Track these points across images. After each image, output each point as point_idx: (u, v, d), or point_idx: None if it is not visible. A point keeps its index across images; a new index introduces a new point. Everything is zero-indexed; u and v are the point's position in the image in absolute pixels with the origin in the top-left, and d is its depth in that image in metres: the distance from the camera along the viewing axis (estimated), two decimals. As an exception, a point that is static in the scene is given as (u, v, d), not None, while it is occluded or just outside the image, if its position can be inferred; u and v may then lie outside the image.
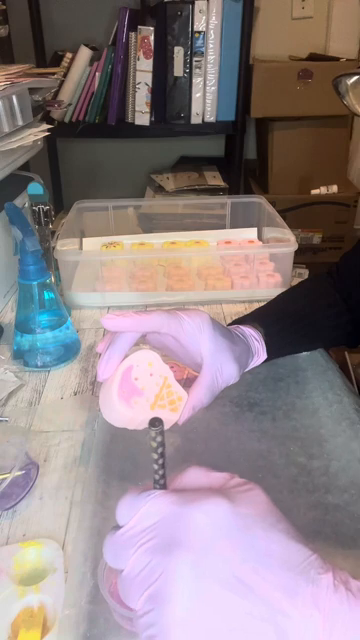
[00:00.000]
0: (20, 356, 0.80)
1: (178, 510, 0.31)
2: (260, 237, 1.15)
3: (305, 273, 1.71)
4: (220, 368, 0.55)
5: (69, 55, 1.73)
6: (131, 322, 0.51)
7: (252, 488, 0.33)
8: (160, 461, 0.34)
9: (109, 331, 0.52)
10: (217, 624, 0.28)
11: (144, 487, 0.35)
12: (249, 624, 0.27)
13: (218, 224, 1.18)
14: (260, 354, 0.64)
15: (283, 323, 0.69)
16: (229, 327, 0.63)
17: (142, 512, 0.32)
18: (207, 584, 0.28)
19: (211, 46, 1.67)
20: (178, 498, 0.31)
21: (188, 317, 0.54)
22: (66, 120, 1.78)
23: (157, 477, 0.34)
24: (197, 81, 1.71)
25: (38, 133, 0.96)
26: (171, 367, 0.53)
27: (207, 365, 0.54)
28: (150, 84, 1.70)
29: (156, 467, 0.34)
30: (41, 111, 1.07)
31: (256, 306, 0.76)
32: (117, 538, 0.32)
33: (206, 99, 1.74)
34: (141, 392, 0.50)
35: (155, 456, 0.34)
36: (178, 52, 1.67)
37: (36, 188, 0.91)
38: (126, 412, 0.49)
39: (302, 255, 1.97)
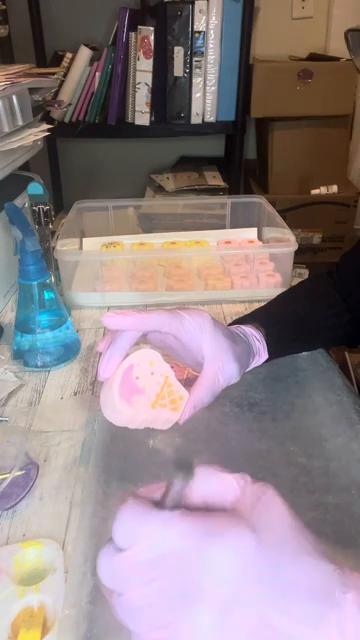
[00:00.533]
0: (20, 356, 0.80)
1: (196, 545, 0.27)
2: (260, 237, 1.15)
3: (305, 273, 1.71)
4: (221, 367, 0.55)
5: (69, 55, 1.73)
6: (132, 321, 0.51)
7: (266, 491, 0.30)
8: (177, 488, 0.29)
9: (110, 330, 0.52)
10: None
11: (145, 491, 0.31)
12: None
13: (218, 224, 1.18)
14: (261, 354, 0.64)
15: (283, 323, 0.69)
16: (230, 327, 0.63)
17: (149, 539, 0.28)
18: (233, 635, 0.26)
19: (211, 46, 1.67)
20: (193, 528, 0.27)
21: (189, 316, 0.54)
22: (66, 120, 1.78)
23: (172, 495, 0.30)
24: (197, 81, 1.71)
25: (38, 133, 0.96)
26: (171, 367, 0.53)
27: (208, 364, 0.54)
28: (150, 84, 1.70)
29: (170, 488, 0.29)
30: (41, 111, 1.07)
31: (256, 306, 0.76)
32: (116, 563, 0.28)
33: (206, 99, 1.74)
34: (142, 391, 0.50)
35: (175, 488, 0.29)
36: (178, 52, 1.67)
37: (36, 188, 0.91)
38: (127, 411, 0.49)
39: (302, 255, 1.97)
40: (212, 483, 0.31)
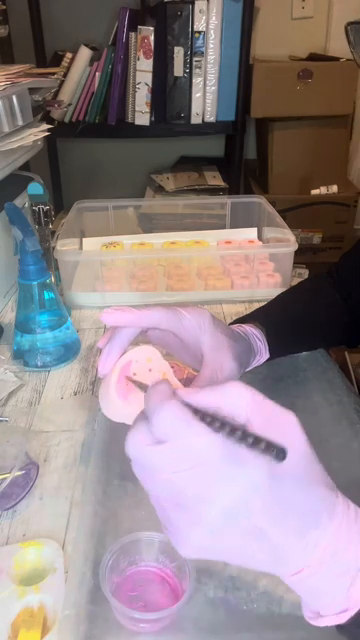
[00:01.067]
0: (20, 356, 0.80)
1: (222, 464, 0.31)
2: (260, 237, 1.15)
3: (305, 273, 1.71)
4: (220, 366, 0.55)
5: (69, 55, 1.73)
6: (130, 317, 0.51)
7: (289, 426, 0.34)
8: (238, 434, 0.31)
9: (109, 327, 0.52)
10: (226, 549, 0.33)
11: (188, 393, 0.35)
12: (253, 553, 0.32)
13: (218, 224, 1.18)
14: (262, 353, 0.64)
15: (283, 323, 0.69)
16: (231, 326, 0.63)
17: (186, 445, 0.31)
18: (229, 529, 0.32)
19: (211, 46, 1.67)
20: (223, 449, 0.31)
21: (188, 314, 0.54)
22: (66, 120, 1.78)
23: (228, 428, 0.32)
24: (197, 81, 1.71)
25: (38, 133, 0.96)
26: (172, 367, 0.53)
27: (207, 362, 0.54)
28: (150, 84, 1.70)
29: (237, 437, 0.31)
30: (41, 111, 1.07)
31: (256, 306, 0.76)
32: (150, 450, 0.32)
33: (206, 99, 1.74)
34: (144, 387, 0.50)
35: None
36: (178, 52, 1.67)
37: (36, 188, 0.91)
38: (124, 407, 0.49)
39: (302, 255, 1.97)
40: (240, 403, 0.34)
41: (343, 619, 0.33)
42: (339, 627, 0.34)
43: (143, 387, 0.43)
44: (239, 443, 0.31)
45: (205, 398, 0.34)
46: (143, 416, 0.34)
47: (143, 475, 0.34)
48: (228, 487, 0.31)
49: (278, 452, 0.30)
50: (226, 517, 0.31)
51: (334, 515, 0.33)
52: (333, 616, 0.33)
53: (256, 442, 0.30)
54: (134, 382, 0.48)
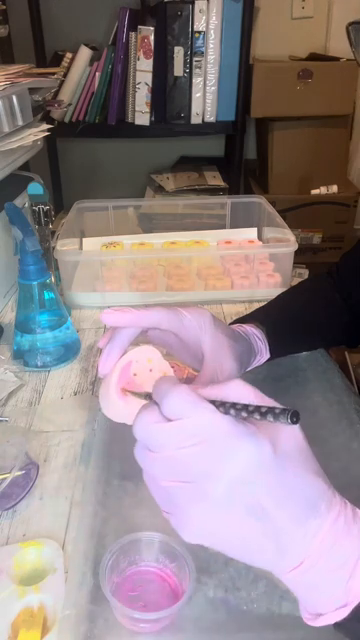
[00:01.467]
0: (20, 356, 0.80)
1: (228, 440, 0.32)
2: (260, 237, 1.15)
3: (305, 273, 1.71)
4: (220, 366, 0.55)
5: (69, 55, 1.73)
6: (130, 317, 0.51)
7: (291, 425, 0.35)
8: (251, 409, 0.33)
9: (110, 327, 0.52)
10: (228, 530, 0.33)
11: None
12: (255, 537, 0.33)
13: (218, 224, 1.18)
14: (263, 353, 0.64)
15: (284, 323, 0.69)
16: (232, 326, 0.63)
17: (193, 423, 0.32)
18: (233, 505, 0.32)
19: (211, 46, 1.67)
20: (229, 426, 0.32)
21: (189, 314, 0.54)
22: (66, 120, 1.78)
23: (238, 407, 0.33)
24: (197, 81, 1.71)
25: (38, 133, 0.96)
26: (172, 367, 0.53)
27: (207, 362, 0.54)
28: (150, 84, 1.70)
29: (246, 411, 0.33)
30: (41, 111, 1.07)
31: (256, 306, 0.76)
32: (158, 427, 0.33)
33: (206, 99, 1.74)
34: (139, 388, 0.50)
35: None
36: (178, 52, 1.67)
37: (36, 188, 0.91)
38: (123, 407, 0.49)
39: (302, 255, 1.97)
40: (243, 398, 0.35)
41: (343, 614, 0.33)
42: (337, 625, 0.34)
43: (141, 396, 0.44)
44: (251, 416, 0.32)
45: (209, 393, 0.35)
46: (152, 402, 0.35)
47: (148, 456, 0.34)
48: (233, 462, 0.32)
49: (292, 414, 0.31)
50: (231, 491, 0.32)
51: (332, 507, 0.34)
52: (332, 613, 0.33)
53: (269, 410, 0.31)
54: (134, 394, 0.47)
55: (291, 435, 0.34)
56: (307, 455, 0.35)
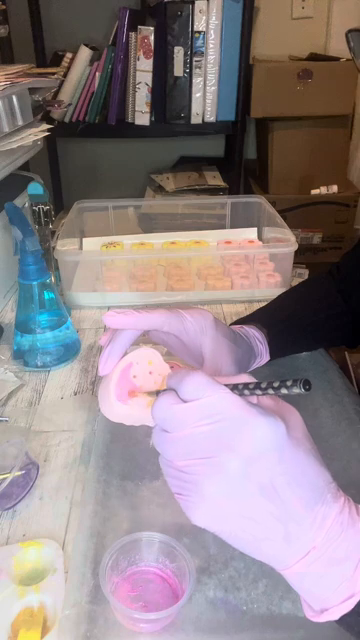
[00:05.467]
0: (20, 356, 0.80)
1: (244, 417, 0.33)
2: (260, 237, 1.15)
3: (305, 273, 1.70)
4: (219, 370, 0.55)
5: (69, 55, 1.73)
6: (133, 320, 0.51)
7: (293, 412, 0.37)
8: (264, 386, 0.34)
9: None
10: (240, 510, 0.34)
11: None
12: (265, 519, 0.33)
13: (218, 224, 1.18)
14: (263, 356, 0.64)
15: (284, 324, 0.69)
16: (233, 327, 0.63)
17: (210, 402, 0.34)
18: (247, 481, 0.33)
19: (211, 46, 1.67)
20: (245, 404, 0.34)
21: (190, 316, 0.53)
22: (66, 120, 1.78)
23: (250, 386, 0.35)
24: (197, 81, 1.71)
25: (38, 133, 0.96)
26: (171, 367, 0.53)
27: (207, 365, 0.54)
28: (150, 84, 1.70)
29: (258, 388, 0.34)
30: (41, 111, 1.07)
31: (256, 306, 0.76)
32: (176, 407, 0.34)
33: (206, 99, 1.74)
34: (139, 390, 0.50)
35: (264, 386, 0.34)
36: (178, 52, 1.67)
37: (36, 188, 0.91)
38: (122, 409, 0.49)
39: (302, 255, 1.97)
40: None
41: (349, 607, 0.33)
42: (340, 619, 0.34)
43: (152, 394, 0.44)
44: (265, 392, 0.34)
45: (221, 381, 0.36)
46: (168, 389, 0.36)
47: (166, 438, 0.35)
48: (249, 438, 0.33)
49: (304, 382, 0.32)
50: (246, 467, 0.33)
51: (337, 499, 0.35)
52: (338, 606, 0.33)
53: (282, 383, 0.33)
54: (143, 393, 0.48)
55: (298, 423, 0.36)
56: (312, 444, 0.36)
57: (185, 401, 0.35)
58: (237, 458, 0.33)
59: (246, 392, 0.34)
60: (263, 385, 0.34)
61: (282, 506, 0.33)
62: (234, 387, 0.35)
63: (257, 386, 0.34)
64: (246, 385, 0.35)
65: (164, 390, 0.37)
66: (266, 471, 0.33)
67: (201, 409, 0.34)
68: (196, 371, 0.35)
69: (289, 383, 0.32)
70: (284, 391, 0.33)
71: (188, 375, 0.35)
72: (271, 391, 0.33)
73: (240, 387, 0.35)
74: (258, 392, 0.34)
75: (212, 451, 0.33)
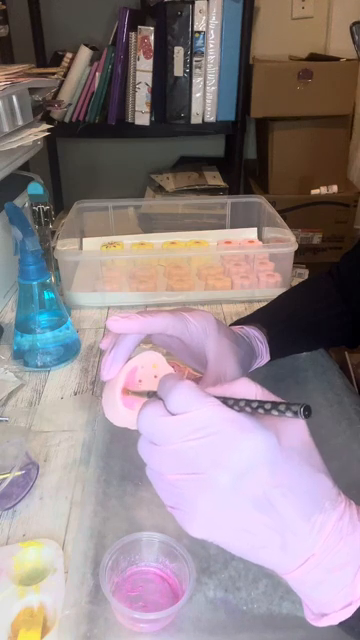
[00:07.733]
0: (20, 356, 0.80)
1: (233, 431, 0.32)
2: (260, 237, 1.15)
3: (305, 273, 1.71)
4: (224, 371, 0.54)
5: (69, 55, 1.73)
6: (137, 325, 0.50)
7: (297, 421, 0.36)
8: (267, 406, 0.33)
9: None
10: (234, 523, 0.33)
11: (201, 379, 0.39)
12: (260, 531, 0.33)
13: (218, 224, 1.18)
14: (264, 356, 0.64)
15: (284, 324, 0.69)
16: (233, 327, 0.63)
17: (198, 416, 0.33)
18: (239, 495, 0.32)
19: (211, 46, 1.67)
20: (234, 417, 0.33)
21: (193, 319, 0.53)
22: (66, 120, 1.78)
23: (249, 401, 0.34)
24: (197, 81, 1.71)
25: (38, 133, 0.96)
26: (172, 367, 0.53)
27: (211, 369, 0.54)
28: (150, 84, 1.70)
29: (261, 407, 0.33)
30: (41, 111, 1.07)
31: (256, 306, 0.76)
32: (163, 420, 0.34)
33: (206, 99, 1.74)
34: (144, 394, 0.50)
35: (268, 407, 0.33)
36: (178, 52, 1.67)
37: (36, 188, 0.91)
38: (128, 414, 0.49)
39: (302, 255, 1.97)
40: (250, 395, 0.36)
41: (349, 613, 0.33)
42: (341, 624, 0.34)
43: (144, 394, 0.44)
44: (256, 411, 0.33)
45: (216, 392, 0.35)
46: (155, 397, 0.36)
47: (153, 450, 0.34)
48: (239, 452, 0.32)
49: (304, 408, 0.31)
50: (237, 481, 0.32)
51: (336, 505, 0.34)
52: (338, 612, 0.33)
53: (274, 405, 0.32)
54: (136, 393, 0.47)
55: (296, 430, 0.35)
56: (312, 451, 0.35)
57: (173, 413, 0.34)
58: (227, 473, 0.32)
59: (236, 408, 0.34)
60: (254, 404, 0.33)
61: (278, 517, 0.33)
62: (224, 401, 0.34)
63: (248, 404, 0.33)
64: (237, 401, 0.34)
65: (150, 399, 0.36)
66: (258, 485, 0.32)
67: (190, 423, 0.33)
68: (184, 381, 0.34)
69: (282, 408, 0.32)
70: (274, 413, 0.32)
71: (176, 386, 0.34)
72: (261, 410, 0.32)
73: (230, 402, 0.34)
74: (248, 410, 0.33)
75: (202, 467, 0.33)
